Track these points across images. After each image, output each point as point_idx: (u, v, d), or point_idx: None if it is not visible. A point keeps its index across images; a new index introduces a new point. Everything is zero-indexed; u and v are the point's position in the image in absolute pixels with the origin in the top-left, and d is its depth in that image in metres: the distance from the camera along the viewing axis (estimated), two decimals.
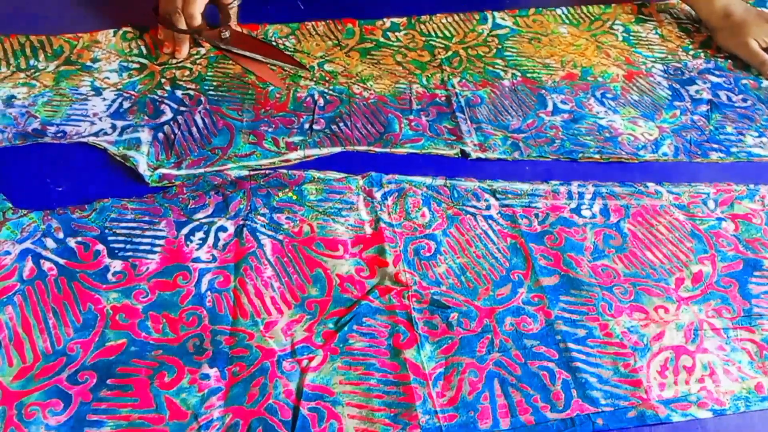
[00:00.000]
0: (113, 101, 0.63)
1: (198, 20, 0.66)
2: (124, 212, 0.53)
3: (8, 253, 0.49)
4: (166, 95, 0.64)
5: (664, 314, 0.49)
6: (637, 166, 0.60)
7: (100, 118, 0.61)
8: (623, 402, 0.44)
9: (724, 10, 0.74)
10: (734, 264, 0.52)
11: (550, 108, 0.65)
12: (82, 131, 0.60)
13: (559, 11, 0.79)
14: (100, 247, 0.50)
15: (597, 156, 0.60)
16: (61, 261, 0.49)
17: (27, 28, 0.71)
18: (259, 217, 0.53)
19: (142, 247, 0.51)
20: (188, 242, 0.51)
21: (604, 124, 0.64)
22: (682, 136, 0.63)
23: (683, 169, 0.60)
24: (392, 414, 0.43)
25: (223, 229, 0.52)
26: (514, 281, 0.50)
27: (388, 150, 0.60)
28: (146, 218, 0.53)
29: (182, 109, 0.63)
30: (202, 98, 0.64)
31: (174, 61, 0.68)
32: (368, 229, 0.53)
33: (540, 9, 0.78)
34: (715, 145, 0.62)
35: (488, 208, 0.55)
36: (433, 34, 0.74)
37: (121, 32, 0.71)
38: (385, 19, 0.76)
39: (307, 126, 0.62)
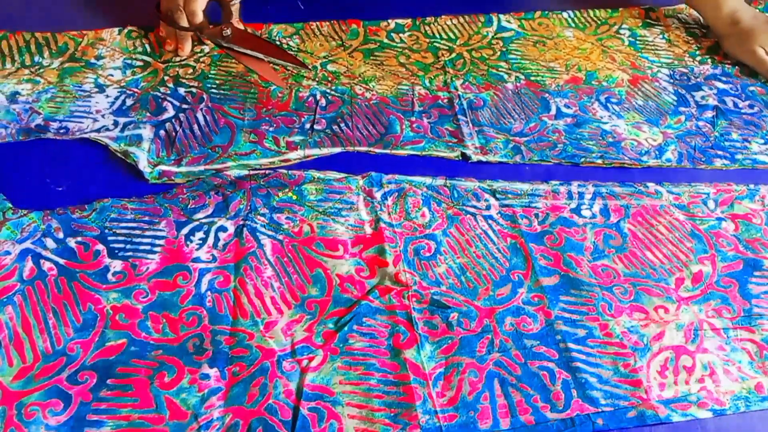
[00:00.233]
0: (116, 98, 0.63)
1: (199, 17, 0.66)
2: (124, 212, 0.53)
3: (8, 253, 0.49)
4: (168, 92, 0.64)
5: (664, 314, 0.49)
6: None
7: (102, 115, 0.62)
8: (623, 402, 0.44)
9: (731, 17, 0.73)
10: (734, 264, 0.52)
11: (553, 112, 0.65)
12: (84, 128, 0.60)
13: (565, 15, 0.78)
14: (100, 247, 0.50)
15: (599, 161, 0.60)
16: (61, 261, 0.49)
17: (33, 26, 0.71)
18: (259, 217, 0.53)
19: (142, 247, 0.51)
20: (188, 242, 0.51)
21: (608, 129, 0.63)
22: (686, 142, 0.63)
23: (684, 171, 0.60)
24: (392, 414, 0.43)
25: (223, 229, 0.52)
26: (514, 281, 0.50)
27: (388, 151, 0.60)
28: (146, 218, 0.53)
29: (184, 106, 0.63)
30: (205, 96, 0.64)
31: (177, 59, 0.68)
32: (368, 229, 0.53)
33: (546, 12, 0.78)
34: (720, 152, 0.62)
35: (488, 208, 0.55)
36: (437, 35, 0.74)
37: (126, 31, 0.71)
38: (389, 21, 0.76)
39: (308, 126, 0.62)
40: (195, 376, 0.44)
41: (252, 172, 0.57)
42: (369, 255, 0.51)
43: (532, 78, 0.69)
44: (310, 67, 0.68)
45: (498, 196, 0.56)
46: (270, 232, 0.52)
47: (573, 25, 0.77)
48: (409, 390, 0.44)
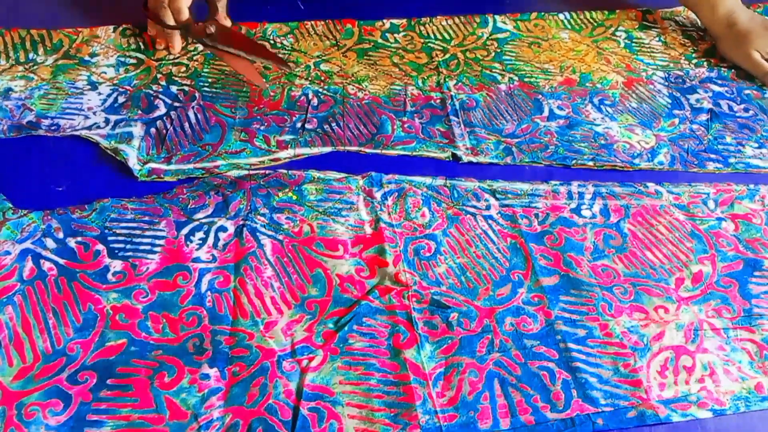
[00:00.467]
0: (108, 96, 0.63)
1: (185, 15, 0.65)
2: (124, 212, 0.53)
3: (8, 253, 0.49)
4: (161, 90, 0.64)
5: (664, 314, 0.49)
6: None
7: (94, 112, 0.62)
8: (623, 402, 0.44)
9: (727, 19, 0.72)
10: (734, 264, 0.52)
11: (546, 113, 0.65)
12: (75, 125, 0.60)
13: (561, 16, 0.78)
14: (100, 247, 0.50)
15: (590, 163, 0.60)
16: (61, 261, 0.49)
17: (28, 23, 0.71)
18: (259, 217, 0.53)
19: (142, 247, 0.51)
20: (188, 242, 0.51)
21: (600, 131, 0.63)
22: (679, 146, 0.62)
23: (683, 171, 0.60)
24: (392, 414, 0.43)
25: (223, 229, 0.52)
26: (514, 281, 0.50)
27: (378, 151, 0.60)
28: (146, 218, 0.53)
29: (176, 104, 0.63)
30: (197, 94, 0.64)
31: (171, 57, 0.68)
32: (368, 229, 0.53)
33: (542, 13, 0.78)
34: (713, 156, 0.62)
35: (488, 208, 0.55)
36: (432, 36, 0.74)
37: (120, 28, 0.71)
38: (384, 20, 0.76)
39: (299, 125, 0.62)
40: (195, 376, 0.44)
41: (252, 172, 0.57)
42: (369, 255, 0.51)
43: (526, 79, 0.69)
44: (294, 67, 0.68)
45: (498, 196, 0.56)
46: (270, 232, 0.52)
47: (569, 26, 0.77)
48: (409, 390, 0.44)
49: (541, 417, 0.43)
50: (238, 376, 0.44)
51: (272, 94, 0.65)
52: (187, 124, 0.61)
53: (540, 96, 0.67)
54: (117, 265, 0.49)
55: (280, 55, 0.69)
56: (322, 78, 0.67)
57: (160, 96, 0.64)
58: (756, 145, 0.63)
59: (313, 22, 0.74)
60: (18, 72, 0.65)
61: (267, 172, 0.57)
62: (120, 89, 0.64)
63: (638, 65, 0.72)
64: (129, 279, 0.49)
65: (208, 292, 0.48)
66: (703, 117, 0.66)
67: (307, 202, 0.55)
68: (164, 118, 0.62)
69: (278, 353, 0.45)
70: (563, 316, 0.48)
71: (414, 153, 0.60)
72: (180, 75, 0.66)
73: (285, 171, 0.57)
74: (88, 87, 0.64)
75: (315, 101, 0.65)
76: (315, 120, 0.63)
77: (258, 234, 0.52)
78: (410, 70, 0.69)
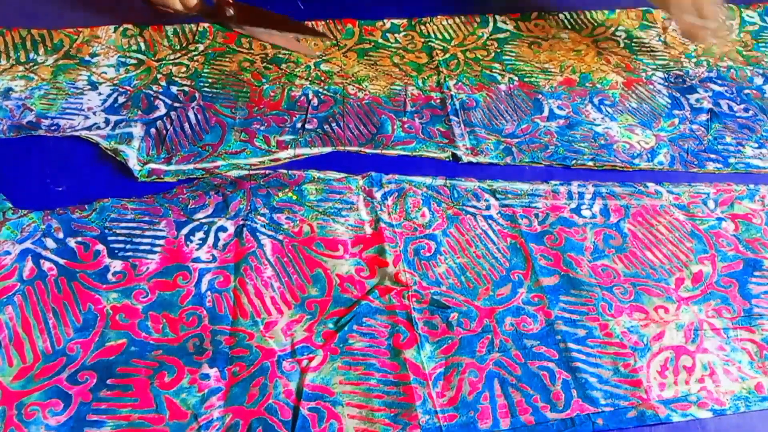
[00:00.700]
0: (108, 96, 0.63)
1: (193, 1, 0.64)
2: (124, 212, 0.53)
3: (8, 253, 0.49)
4: (161, 91, 0.64)
5: (664, 314, 0.49)
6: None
7: (94, 113, 0.62)
8: (623, 402, 0.44)
9: None
10: (734, 264, 0.52)
11: (545, 113, 0.65)
12: (75, 125, 0.60)
13: (561, 16, 0.78)
14: (100, 247, 0.50)
15: (590, 163, 0.60)
16: (61, 261, 0.49)
17: (29, 23, 0.71)
18: (259, 217, 0.53)
19: (142, 247, 0.51)
20: (188, 242, 0.51)
21: (600, 131, 0.63)
22: (679, 146, 0.62)
23: (683, 171, 0.60)
24: (392, 414, 0.43)
25: (223, 229, 0.52)
26: (514, 281, 0.50)
27: (378, 151, 0.60)
28: (146, 218, 0.53)
29: (176, 105, 0.63)
30: (197, 95, 0.64)
31: (172, 57, 0.68)
32: (368, 229, 0.53)
33: (543, 14, 0.78)
34: (713, 156, 0.62)
35: (488, 208, 0.55)
36: (432, 35, 0.74)
37: (121, 29, 0.71)
38: (385, 20, 0.76)
39: (299, 125, 0.62)
40: (195, 376, 0.44)
41: (252, 172, 0.57)
42: (369, 255, 0.51)
43: (526, 79, 0.69)
44: (330, 37, 0.67)
45: (498, 196, 0.56)
46: (270, 232, 0.52)
47: (569, 27, 0.77)
48: (409, 390, 0.44)
49: (541, 417, 0.43)
50: (238, 376, 0.44)
51: (272, 94, 0.65)
52: (187, 125, 0.61)
53: (540, 96, 0.67)
54: (117, 265, 0.49)
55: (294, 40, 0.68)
56: (323, 78, 0.67)
57: (160, 96, 0.64)
58: (756, 145, 0.63)
59: (313, 22, 0.74)
60: (18, 72, 0.65)
61: (267, 172, 0.57)
62: (120, 89, 0.64)
63: (638, 65, 0.72)
64: (129, 279, 0.49)
65: (208, 292, 0.48)
66: (703, 117, 0.66)
67: (307, 202, 0.55)
68: (164, 118, 0.62)
69: (278, 353, 0.45)
70: (563, 316, 0.48)
71: (414, 153, 0.60)
72: (180, 75, 0.66)
73: (285, 171, 0.57)
74: (89, 87, 0.64)
75: (315, 101, 0.65)
76: (315, 120, 0.63)
77: (258, 234, 0.52)
78: (410, 70, 0.69)
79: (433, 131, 0.62)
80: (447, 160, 0.60)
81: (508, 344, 0.46)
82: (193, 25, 0.71)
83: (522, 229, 0.54)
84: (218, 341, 0.46)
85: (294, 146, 0.60)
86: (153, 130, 0.60)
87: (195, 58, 0.69)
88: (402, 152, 0.60)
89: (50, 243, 0.50)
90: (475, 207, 0.55)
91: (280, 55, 0.69)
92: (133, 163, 0.57)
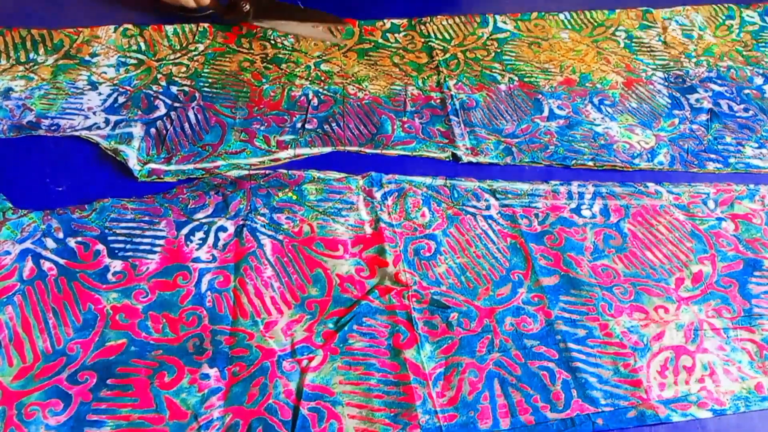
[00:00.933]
0: (108, 96, 0.63)
1: None
2: (124, 212, 0.53)
3: (8, 253, 0.49)
4: (161, 91, 0.64)
5: (664, 314, 0.49)
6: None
7: (94, 113, 0.62)
8: (623, 402, 0.44)
9: None
10: (734, 264, 0.52)
11: (545, 113, 0.65)
12: (75, 125, 0.60)
13: (561, 16, 0.78)
14: (100, 247, 0.50)
15: (590, 163, 0.60)
16: (61, 261, 0.49)
17: (29, 23, 0.71)
18: (259, 217, 0.53)
19: (142, 247, 0.51)
20: (188, 242, 0.51)
21: (600, 131, 0.63)
22: (679, 146, 0.62)
23: (683, 171, 0.60)
24: (392, 414, 0.43)
25: (223, 229, 0.52)
26: (514, 281, 0.50)
27: (378, 151, 0.60)
28: (146, 218, 0.53)
29: (176, 105, 0.63)
30: (197, 95, 0.64)
31: (172, 57, 0.68)
32: (368, 229, 0.53)
33: (542, 13, 0.78)
34: (713, 156, 0.62)
35: (488, 208, 0.55)
36: (432, 35, 0.74)
37: (121, 29, 0.71)
38: (385, 20, 0.76)
39: (299, 125, 0.62)
40: (195, 376, 0.44)
41: (252, 172, 0.57)
42: (369, 255, 0.51)
43: (526, 79, 0.69)
44: (345, 23, 0.68)
45: (498, 196, 0.56)
46: (270, 232, 0.52)
47: (569, 26, 0.77)
48: (409, 390, 0.44)
49: (541, 417, 0.43)
50: (238, 376, 0.44)
51: (272, 94, 0.65)
52: (187, 125, 0.61)
53: (540, 96, 0.67)
54: (117, 265, 0.49)
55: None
56: (323, 78, 0.67)
57: (160, 96, 0.64)
58: (756, 145, 0.63)
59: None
60: (18, 72, 0.65)
61: (267, 172, 0.57)
62: (120, 89, 0.64)
63: (638, 65, 0.72)
64: (129, 279, 0.49)
65: (208, 292, 0.48)
66: (703, 117, 0.66)
67: (307, 202, 0.55)
68: (164, 118, 0.62)
69: (278, 353, 0.45)
70: (563, 316, 0.48)
71: (414, 153, 0.60)
72: (180, 75, 0.66)
73: (285, 171, 0.57)
74: (89, 87, 0.64)
75: (315, 101, 0.65)
76: (315, 120, 0.63)
77: (258, 234, 0.52)
78: (410, 70, 0.69)
79: (433, 131, 0.62)
80: (447, 160, 0.60)
81: (508, 344, 0.46)
82: (193, 25, 0.71)
83: (522, 229, 0.54)
84: (218, 341, 0.46)
85: (294, 146, 0.60)
86: (153, 130, 0.60)
87: (195, 58, 0.69)
88: (402, 152, 0.60)
89: (50, 243, 0.50)
90: (475, 207, 0.55)
91: (280, 55, 0.69)
92: (133, 163, 0.57)
